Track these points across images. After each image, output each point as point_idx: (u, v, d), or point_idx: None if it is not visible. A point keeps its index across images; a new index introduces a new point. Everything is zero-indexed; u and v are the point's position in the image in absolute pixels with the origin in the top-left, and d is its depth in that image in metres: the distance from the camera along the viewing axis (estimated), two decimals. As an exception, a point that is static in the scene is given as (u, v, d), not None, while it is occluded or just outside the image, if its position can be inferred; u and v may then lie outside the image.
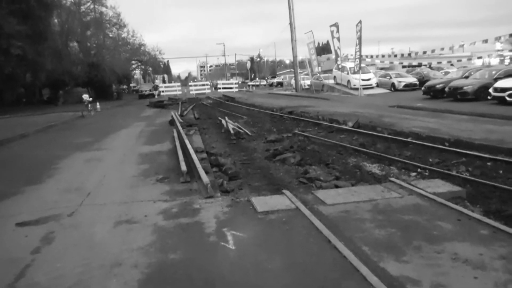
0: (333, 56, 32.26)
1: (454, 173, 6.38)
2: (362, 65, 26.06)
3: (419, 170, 6.76)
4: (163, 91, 40.97)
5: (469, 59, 37.13)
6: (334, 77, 30.55)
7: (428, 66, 34.82)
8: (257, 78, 77.23)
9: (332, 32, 27.74)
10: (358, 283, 3.07)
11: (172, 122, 15.24)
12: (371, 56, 42.38)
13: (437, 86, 19.18)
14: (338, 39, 27.25)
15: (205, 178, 5.85)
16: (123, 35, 45.45)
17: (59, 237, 4.38)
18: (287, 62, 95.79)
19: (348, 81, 27.47)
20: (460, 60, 34.96)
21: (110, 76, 39.48)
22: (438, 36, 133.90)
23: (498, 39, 27.30)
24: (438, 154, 7.78)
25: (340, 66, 28.70)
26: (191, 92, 40.62)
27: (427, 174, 6.54)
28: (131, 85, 64.48)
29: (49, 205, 5.57)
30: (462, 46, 30.93)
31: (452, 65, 35.21)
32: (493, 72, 17.17)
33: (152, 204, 5.34)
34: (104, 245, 4.08)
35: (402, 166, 7.12)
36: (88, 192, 6.19)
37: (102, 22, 41.35)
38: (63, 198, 5.97)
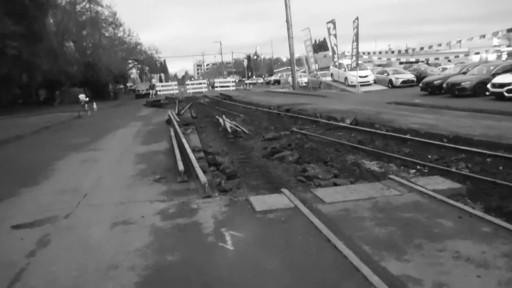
0: (330, 53, 32.11)
1: (453, 169, 6.33)
2: (359, 62, 25.96)
3: (418, 167, 6.72)
4: (160, 90, 40.91)
5: (467, 55, 37.04)
6: (331, 74, 30.50)
7: (425, 62, 34.75)
8: (254, 76, 77.00)
9: (329, 29, 27.63)
10: (359, 283, 3.02)
11: (169, 121, 15.17)
12: (368, 53, 42.23)
13: (435, 82, 19.13)
14: (335, 36, 27.13)
15: (202, 177, 5.79)
16: (119, 34, 45.48)
17: (54, 240, 4.32)
18: (284, 59, 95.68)
19: (346, 78, 27.41)
20: (458, 56, 34.84)
21: (107, 75, 39.36)
22: (435, 32, 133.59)
23: (495, 34, 27.24)
24: (437, 150, 7.73)
25: (337, 63, 28.57)
26: (188, 91, 40.45)
27: (426, 171, 6.48)
28: (128, 84, 64.35)
29: (45, 207, 5.50)
30: (459, 42, 30.80)
31: (449, 61, 35.10)
32: (491, 68, 17.14)
33: (149, 205, 5.28)
34: (101, 247, 4.02)
35: (401, 163, 7.08)
36: (85, 193, 6.13)
37: (98, 21, 41.20)
38: (59, 199, 5.90)
